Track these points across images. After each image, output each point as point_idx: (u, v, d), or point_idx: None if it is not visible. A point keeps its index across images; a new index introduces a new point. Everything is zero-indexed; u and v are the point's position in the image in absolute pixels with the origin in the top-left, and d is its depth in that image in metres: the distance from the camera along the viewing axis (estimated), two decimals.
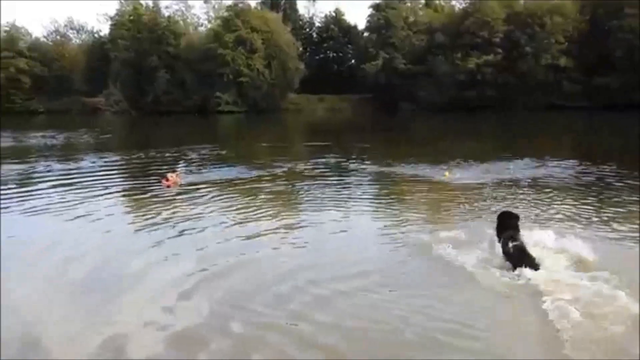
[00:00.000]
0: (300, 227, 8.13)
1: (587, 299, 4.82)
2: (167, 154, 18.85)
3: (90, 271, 6.20)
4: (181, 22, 72.16)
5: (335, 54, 77.18)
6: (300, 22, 77.80)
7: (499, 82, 55.49)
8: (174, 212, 9.08)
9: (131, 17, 68.48)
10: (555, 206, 8.99)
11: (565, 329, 4.35)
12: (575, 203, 9.21)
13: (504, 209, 7.19)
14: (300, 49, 69.44)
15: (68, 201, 10.24)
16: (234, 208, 9.46)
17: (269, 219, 8.58)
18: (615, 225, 7.55)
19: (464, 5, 64.05)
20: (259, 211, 9.13)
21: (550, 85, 54.31)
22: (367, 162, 15.64)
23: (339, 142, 23.94)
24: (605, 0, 52.76)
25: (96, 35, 79.32)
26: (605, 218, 8.03)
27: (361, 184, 12.48)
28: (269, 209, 9.38)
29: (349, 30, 75.14)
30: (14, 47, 70.61)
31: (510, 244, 5.82)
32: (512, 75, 55.34)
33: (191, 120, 49.57)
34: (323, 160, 16.17)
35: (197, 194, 10.73)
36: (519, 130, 31.92)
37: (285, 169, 14.31)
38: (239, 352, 4.28)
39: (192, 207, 9.53)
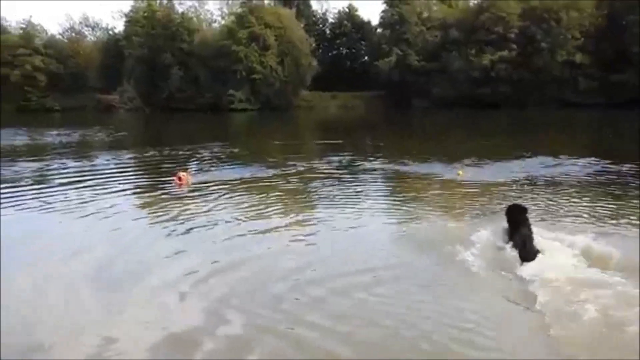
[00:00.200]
0: (311, 224, 8.09)
1: (604, 300, 4.72)
2: (180, 152, 18.92)
3: (93, 268, 6.21)
4: (195, 19, 72.39)
5: (348, 51, 76.87)
6: (314, 19, 77.63)
7: (514, 78, 55.03)
8: (184, 210, 9.07)
9: (145, 14, 68.77)
10: (571, 205, 8.87)
11: (576, 330, 4.28)
12: (593, 202, 9.06)
13: (513, 203, 7.11)
14: (313, 45, 69.25)
15: (80, 198, 10.29)
16: (245, 206, 9.43)
17: (280, 217, 8.55)
18: (633, 224, 7.40)
19: (478, 0, 63.52)
20: (269, 209, 9.10)
21: (565, 82, 53.75)
22: (379, 160, 15.56)
23: (351, 139, 23.87)
24: None
25: (111, 32, 79.83)
26: (623, 216, 7.88)
27: (373, 182, 12.40)
28: (280, 206, 9.36)
29: (362, 27, 74.79)
30: (30, 45, 71.27)
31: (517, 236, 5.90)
32: (527, 71, 54.84)
33: (204, 118, 49.77)
34: (335, 158, 16.10)
35: (208, 192, 10.74)
36: (534, 128, 31.57)
37: (297, 167, 14.27)
38: (236, 352, 4.24)
39: (203, 204, 9.53)
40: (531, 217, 6.43)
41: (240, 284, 5.60)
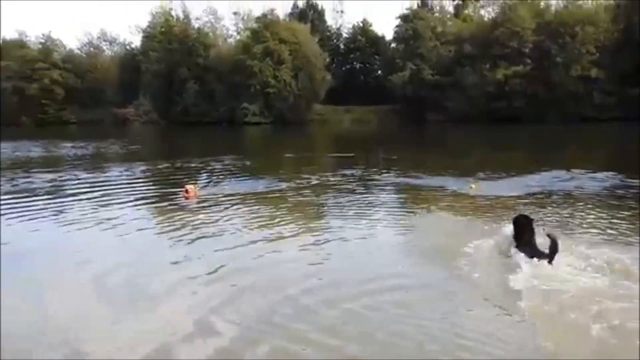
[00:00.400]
0: (320, 235, 7.98)
1: (615, 313, 4.60)
2: (193, 164, 18.96)
3: (95, 278, 6.17)
4: (211, 34, 73.26)
5: (362, 65, 77.24)
6: (328, 33, 78.25)
7: (528, 93, 54.71)
8: (191, 221, 9.01)
9: (162, 29, 69.82)
10: (588, 219, 8.65)
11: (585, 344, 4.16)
12: (610, 216, 8.83)
13: (519, 213, 7.04)
14: (327, 59, 69.70)
15: (89, 209, 10.32)
16: (255, 218, 9.33)
17: (291, 230, 8.43)
18: None
19: (493, 15, 63.51)
20: (281, 221, 8.99)
21: (581, 97, 53.27)
22: (391, 173, 15.41)
23: (364, 153, 23.77)
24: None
25: (128, 47, 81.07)
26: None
27: (385, 194, 12.24)
28: (292, 219, 9.23)
29: (376, 41, 75.13)
30: (48, 59, 72.63)
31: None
32: (541, 86, 54.45)
33: (218, 131, 50.05)
34: (347, 171, 15.99)
35: (218, 203, 10.67)
36: (549, 142, 31.23)
37: (308, 179, 14.17)
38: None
39: (211, 215, 9.46)
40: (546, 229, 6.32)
41: (243, 294, 5.52)
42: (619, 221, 8.41)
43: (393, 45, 69.38)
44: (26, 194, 12.35)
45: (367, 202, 11.14)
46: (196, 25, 72.42)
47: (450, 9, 69.31)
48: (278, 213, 9.69)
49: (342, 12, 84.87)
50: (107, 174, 16.84)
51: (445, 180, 13.38)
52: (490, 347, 4.26)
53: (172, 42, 68.17)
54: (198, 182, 13.02)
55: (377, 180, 14.38)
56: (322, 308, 5.10)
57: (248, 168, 18.28)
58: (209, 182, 14.03)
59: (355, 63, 77.46)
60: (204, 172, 16.21)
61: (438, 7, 68.66)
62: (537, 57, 55.75)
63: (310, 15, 76.08)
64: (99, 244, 7.83)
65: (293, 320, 4.86)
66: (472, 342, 4.35)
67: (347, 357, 4.21)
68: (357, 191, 12.53)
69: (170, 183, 14.12)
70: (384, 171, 15.93)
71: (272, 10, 67.72)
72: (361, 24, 76.77)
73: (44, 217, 9.75)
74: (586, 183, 12.69)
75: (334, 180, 14.29)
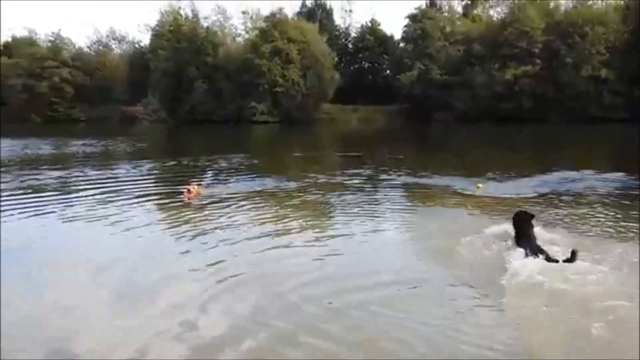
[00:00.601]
0: (328, 236, 7.93)
1: (619, 316, 4.54)
2: (199, 162, 18.98)
3: (97, 276, 6.18)
4: (219, 33, 73.10)
5: (370, 64, 76.93)
6: (336, 33, 78.03)
7: (538, 93, 54.27)
8: (198, 219, 9.02)
9: (171, 28, 69.78)
10: (597, 220, 8.55)
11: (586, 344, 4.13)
12: (619, 217, 8.73)
13: (519, 210, 7.05)
14: (336, 59, 69.50)
15: (95, 206, 10.36)
16: (261, 216, 9.30)
17: (297, 228, 8.44)
18: None
19: (502, 15, 63.13)
20: (286, 220, 8.97)
21: (590, 97, 52.84)
22: (398, 173, 15.35)
23: (371, 152, 23.70)
24: None
25: (137, 45, 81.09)
26: None
27: (391, 194, 12.18)
28: (298, 218, 9.20)
29: (384, 41, 74.83)
30: (58, 57, 72.88)
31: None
32: (551, 86, 54.08)
33: (226, 130, 50.11)
34: (355, 170, 15.94)
35: (226, 203, 10.63)
36: (558, 142, 31.02)
37: (315, 178, 14.14)
38: None
39: (219, 215, 9.43)
40: (554, 229, 6.27)
41: (255, 296, 5.49)
42: (630, 221, 8.31)
43: (401, 44, 69.02)
44: (31, 191, 12.47)
45: (374, 200, 11.11)
46: (205, 24, 72.38)
47: (459, 8, 68.96)
48: (283, 211, 9.67)
49: (350, 11, 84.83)
50: (114, 171, 16.89)
51: (453, 180, 13.28)
52: (487, 348, 4.23)
53: (180, 41, 68.19)
54: (202, 181, 12.97)
55: (384, 179, 14.32)
56: (311, 305, 5.13)
57: (255, 166, 18.28)
58: (214, 180, 14.02)
59: (363, 62, 77.21)
60: (209, 171, 16.21)
61: (447, 7, 68.31)
62: (546, 57, 55.32)
63: (319, 15, 75.93)
64: (100, 239, 7.86)
65: (276, 318, 4.87)
66: (470, 342, 4.32)
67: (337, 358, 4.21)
68: (365, 190, 12.51)
69: (177, 181, 14.11)
70: (391, 170, 15.85)
71: (281, 9, 67.66)
72: (370, 24, 76.50)
73: (49, 212, 9.81)
74: (596, 184, 12.56)
75: (341, 179, 14.25)
